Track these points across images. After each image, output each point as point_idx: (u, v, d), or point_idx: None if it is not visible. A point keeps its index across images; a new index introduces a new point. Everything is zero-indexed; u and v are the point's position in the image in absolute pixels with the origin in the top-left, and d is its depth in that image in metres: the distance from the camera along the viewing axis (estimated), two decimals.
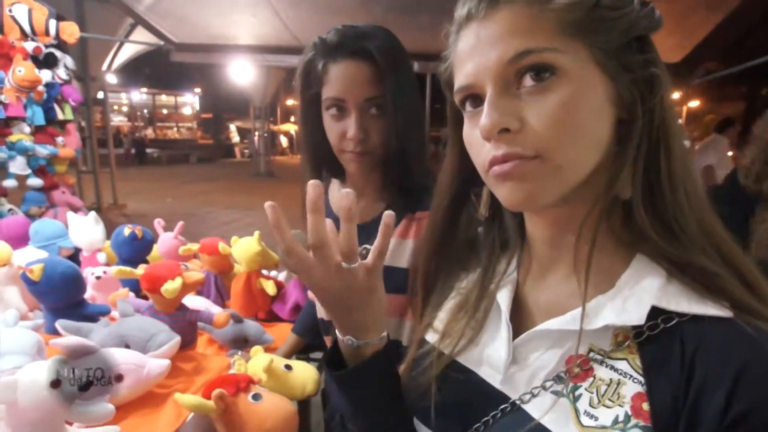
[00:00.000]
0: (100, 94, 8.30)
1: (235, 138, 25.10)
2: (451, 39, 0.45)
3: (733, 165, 4.79)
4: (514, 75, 0.39)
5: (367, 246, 0.88)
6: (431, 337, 0.54)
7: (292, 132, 25.99)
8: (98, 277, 1.31)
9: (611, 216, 0.43)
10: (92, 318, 1.11)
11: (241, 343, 1.23)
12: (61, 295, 1.08)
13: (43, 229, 1.54)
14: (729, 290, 0.38)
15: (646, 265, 0.41)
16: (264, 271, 1.45)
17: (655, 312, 0.38)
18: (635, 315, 0.39)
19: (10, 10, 1.92)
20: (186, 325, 1.05)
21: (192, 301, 1.32)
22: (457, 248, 0.56)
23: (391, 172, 0.83)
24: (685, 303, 0.38)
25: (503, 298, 0.49)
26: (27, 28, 2.01)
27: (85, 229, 1.50)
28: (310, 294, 1.16)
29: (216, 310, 1.31)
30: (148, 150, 18.86)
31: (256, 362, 0.96)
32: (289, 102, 25.84)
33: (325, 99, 0.79)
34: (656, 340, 0.38)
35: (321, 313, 0.98)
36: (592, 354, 0.41)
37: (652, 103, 0.40)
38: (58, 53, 2.94)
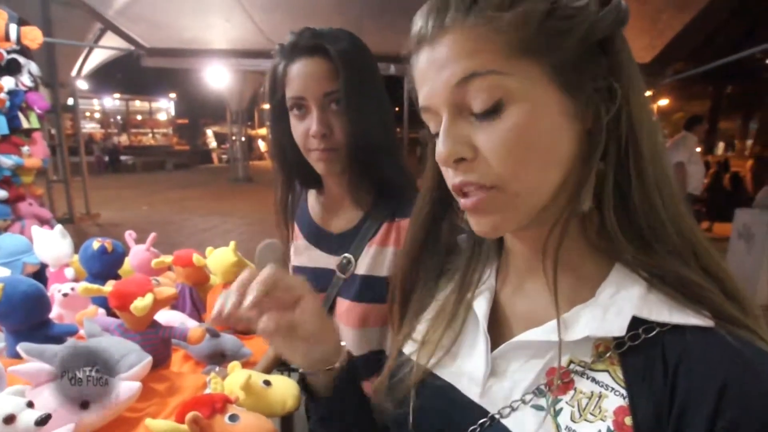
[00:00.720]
0: (71, 101, 8.05)
1: (212, 143, 24.72)
2: (411, 60, 0.44)
3: (702, 161, 5.01)
4: (465, 99, 0.38)
5: (347, 255, 0.86)
6: (410, 348, 0.53)
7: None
8: (65, 295, 1.25)
9: (586, 225, 0.42)
10: (58, 339, 1.05)
11: (218, 359, 1.18)
12: (23, 316, 1.02)
13: (6, 245, 1.47)
14: (709, 299, 0.37)
15: (626, 275, 0.40)
16: None
17: (635, 322, 0.38)
18: (616, 326, 0.38)
19: None
20: (159, 343, 1.01)
21: (166, 315, 1.27)
22: (438, 256, 0.55)
23: (361, 173, 0.81)
24: (666, 313, 0.37)
25: (480, 307, 0.48)
26: None
27: (51, 244, 1.43)
28: None
29: (192, 324, 1.27)
30: (122, 157, 18.39)
31: (234, 379, 0.92)
32: (266, 106, 25.56)
33: (287, 100, 0.78)
34: (638, 351, 0.37)
35: None
36: (572, 366, 0.40)
37: (615, 110, 0.38)
38: (21, 59, 2.83)
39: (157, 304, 0.97)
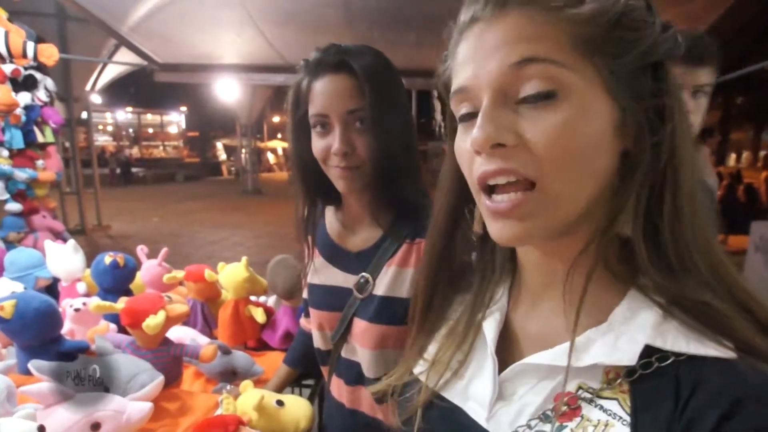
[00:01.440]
0: (84, 114, 8.19)
1: (222, 156, 24.96)
2: (452, 41, 0.42)
3: (714, 172, 4.97)
4: (515, 85, 0.36)
5: (365, 274, 0.84)
6: (419, 368, 0.52)
7: (279, 149, 25.97)
8: (77, 310, 1.24)
9: (607, 249, 0.40)
10: (69, 355, 1.05)
11: (230, 376, 1.17)
12: (35, 332, 1.01)
13: (19, 259, 1.47)
14: (736, 329, 0.35)
15: (641, 302, 0.38)
16: (252, 297, 1.39)
17: (649, 350, 0.36)
18: (627, 354, 0.36)
19: None
20: (170, 361, 0.99)
21: (178, 331, 1.26)
22: (454, 272, 0.53)
23: (382, 192, 0.79)
24: (683, 342, 0.35)
25: (490, 328, 0.46)
26: (3, 51, 1.95)
27: (63, 258, 1.43)
28: (303, 322, 1.11)
29: (203, 340, 1.25)
30: (134, 169, 18.64)
31: (246, 399, 0.90)
32: (276, 119, 25.93)
33: (310, 117, 0.77)
34: (649, 380, 0.36)
35: (318, 342, 0.94)
36: (581, 392, 0.38)
37: (661, 135, 0.37)
38: (38, 75, 2.88)
39: (170, 322, 0.96)
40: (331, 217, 0.90)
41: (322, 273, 0.89)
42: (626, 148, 0.38)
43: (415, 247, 0.80)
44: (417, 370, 0.51)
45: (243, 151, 14.50)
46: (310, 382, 1.29)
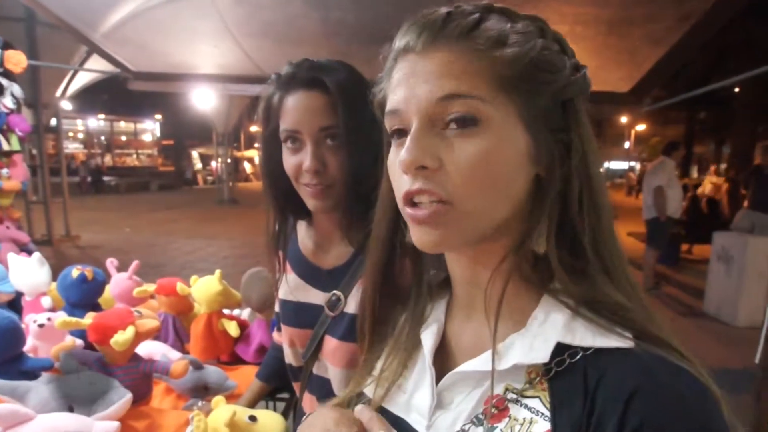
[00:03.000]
0: (54, 121, 7.95)
1: (198, 165, 24.55)
2: (388, 63, 0.45)
3: (679, 185, 5.18)
4: (441, 114, 0.40)
5: (336, 292, 0.84)
6: (368, 382, 0.54)
7: (256, 158, 25.63)
8: (41, 325, 1.20)
9: (522, 262, 0.44)
10: (32, 374, 1.01)
11: (202, 391, 1.15)
12: None
13: None
14: (635, 320, 0.39)
15: (553, 304, 0.42)
16: (226, 311, 1.38)
17: (563, 349, 0.39)
18: (541, 353, 0.39)
19: None
20: (140, 377, 0.97)
21: (149, 346, 1.23)
22: (398, 286, 0.56)
23: (354, 210, 0.80)
24: (590, 337, 0.39)
25: (427, 340, 0.49)
26: None
27: (27, 271, 1.39)
28: (275, 336, 1.10)
29: (174, 356, 1.23)
30: (106, 178, 18.14)
31: (218, 416, 0.89)
32: (253, 128, 25.62)
33: (281, 132, 0.77)
34: (563, 376, 0.39)
35: (289, 358, 0.93)
36: (507, 393, 0.42)
37: (568, 164, 0.41)
38: (4, 81, 2.79)
39: (139, 338, 0.94)
40: (303, 234, 0.90)
41: (294, 289, 0.88)
42: (539, 174, 0.42)
43: None
44: (365, 384, 0.54)
45: (219, 160, 14.31)
46: (284, 395, 1.27)
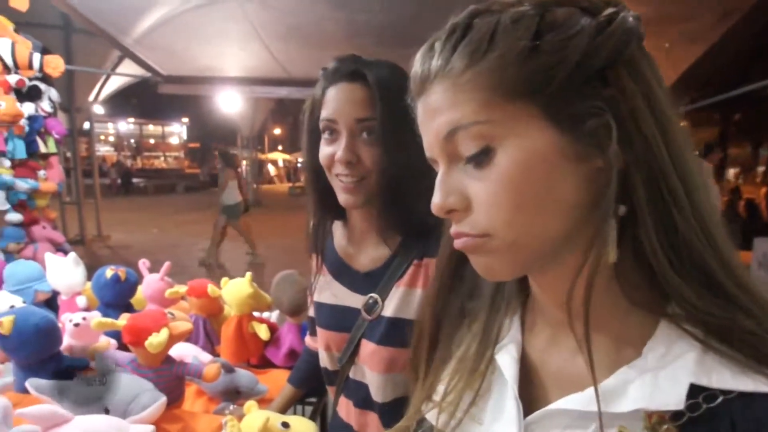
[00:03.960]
0: (87, 125, 8.21)
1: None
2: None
3: (717, 187, 4.98)
4: (455, 150, 0.37)
5: (373, 295, 0.82)
6: (430, 411, 0.47)
7: (280, 161, 26.06)
8: (77, 325, 1.21)
9: (620, 277, 0.37)
10: (68, 373, 1.02)
11: (233, 395, 1.13)
12: (33, 349, 0.98)
13: (18, 272, 1.44)
14: None
15: (675, 334, 0.35)
16: (256, 313, 1.37)
17: (695, 390, 0.33)
18: (672, 397, 0.33)
19: None
20: (173, 380, 0.96)
21: (180, 348, 1.23)
22: (461, 299, 0.49)
23: (388, 209, 0.78)
24: (729, 378, 0.32)
25: (508, 366, 0.42)
26: (9, 62, 1.95)
27: (63, 271, 1.41)
28: (308, 340, 1.08)
29: (205, 358, 1.22)
30: (135, 180, 18.66)
31: (251, 421, 0.87)
32: (277, 131, 26.08)
33: (320, 122, 0.76)
34: (699, 424, 0.33)
35: (324, 362, 0.91)
36: None
37: (626, 150, 0.33)
38: (42, 86, 2.88)
39: (173, 340, 0.93)
40: (339, 235, 0.88)
41: (330, 291, 0.87)
42: (596, 168, 0.35)
43: (423, 268, 0.78)
44: (428, 412, 0.48)
45: (244, 162, 14.53)
46: (312, 399, 1.25)
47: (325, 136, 0.76)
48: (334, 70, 0.75)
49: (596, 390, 0.35)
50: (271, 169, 25.41)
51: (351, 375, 0.85)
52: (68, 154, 7.35)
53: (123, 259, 6.43)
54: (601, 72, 0.34)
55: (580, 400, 0.36)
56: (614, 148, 0.33)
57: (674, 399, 0.33)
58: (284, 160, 26.44)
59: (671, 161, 0.34)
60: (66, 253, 3.22)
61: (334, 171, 0.75)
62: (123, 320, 0.94)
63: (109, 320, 0.92)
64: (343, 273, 0.85)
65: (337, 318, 0.85)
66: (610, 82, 0.34)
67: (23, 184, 2.74)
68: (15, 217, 2.73)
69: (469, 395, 0.44)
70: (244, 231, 5.92)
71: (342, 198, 0.76)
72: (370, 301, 0.80)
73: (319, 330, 0.89)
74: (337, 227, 0.89)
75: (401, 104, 0.74)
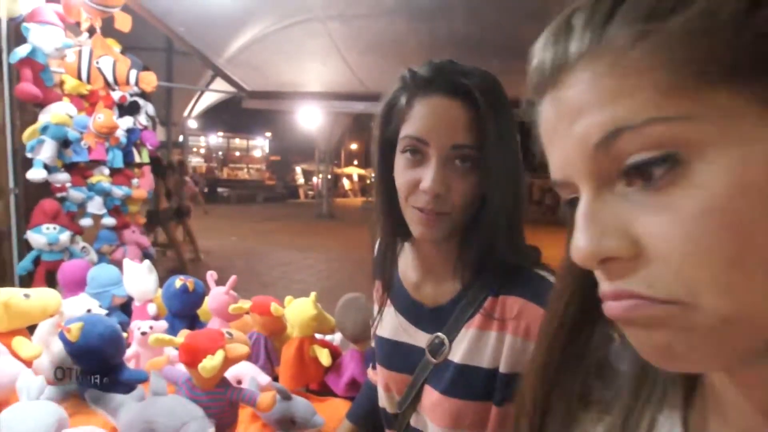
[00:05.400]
0: (181, 138, 8.96)
1: (300, 180, 26.11)
2: (534, 105, 0.30)
3: None
4: (614, 165, 0.24)
5: (440, 334, 0.69)
6: None
7: (355, 175, 26.74)
8: (144, 333, 1.21)
9: None
10: (128, 385, 1.00)
11: (288, 424, 1.05)
12: (97, 358, 0.97)
13: (99, 276, 1.50)
14: None
15: None
16: (319, 335, 1.29)
17: None
18: None
19: (98, 62, 2.03)
20: (226, 404, 0.90)
21: (238, 366, 1.18)
22: (581, 377, 0.36)
23: (470, 245, 0.65)
24: None
25: None
26: (110, 78, 2.11)
27: (138, 278, 1.43)
28: (370, 373, 0.98)
29: (263, 379, 1.16)
30: (220, 189, 20.02)
31: None
32: (353, 146, 26.91)
33: (402, 138, 0.64)
34: None
35: (383, 402, 0.80)
36: None
37: None
38: (141, 101, 3.12)
39: (228, 363, 0.87)
40: (405, 263, 0.76)
41: (392, 325, 0.75)
42: None
43: (498, 305, 0.64)
44: None
45: (320, 176, 15.03)
46: None
47: (406, 155, 0.63)
48: (429, 79, 0.62)
49: None
50: (346, 183, 26.12)
51: (412, 423, 0.73)
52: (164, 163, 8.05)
53: (204, 264, 6.83)
54: None
55: None
56: None
57: None
58: (359, 175, 27.10)
59: None
60: (151, 257, 3.42)
61: (413, 201, 0.63)
62: (180, 338, 0.89)
63: (167, 337, 0.88)
64: (408, 306, 0.73)
65: (399, 356, 0.73)
66: None
67: (119, 191, 2.96)
68: (110, 221, 2.94)
69: None
70: (172, 236, 6.26)
71: (418, 230, 0.64)
72: (436, 341, 0.67)
73: (378, 367, 0.78)
74: (403, 255, 0.77)
75: (507, 129, 0.62)
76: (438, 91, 0.61)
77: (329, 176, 14.85)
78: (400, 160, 0.64)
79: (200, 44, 4.01)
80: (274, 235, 9.75)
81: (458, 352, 0.65)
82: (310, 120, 10.54)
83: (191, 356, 0.84)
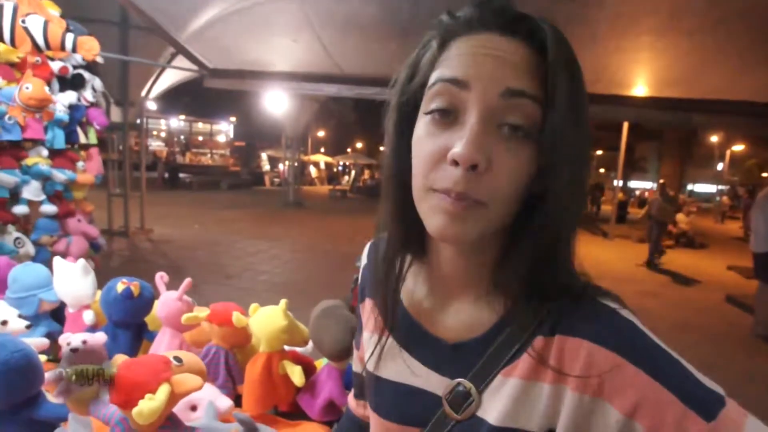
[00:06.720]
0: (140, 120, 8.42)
1: (266, 166, 25.46)
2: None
3: None
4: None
5: (464, 381, 0.51)
6: None
7: (321, 163, 26.35)
8: (74, 350, 0.98)
9: None
10: (46, 425, 0.78)
11: None
12: (2, 393, 0.75)
13: (23, 277, 1.24)
14: None
15: None
16: (288, 347, 1.11)
17: None
18: None
19: (23, 21, 1.71)
20: None
21: None
22: None
23: (516, 258, 0.45)
24: None
25: None
26: (41, 42, 1.80)
27: (71, 280, 1.20)
28: (351, 402, 0.79)
29: (223, 404, 0.97)
30: (181, 175, 19.21)
31: None
32: (320, 133, 26.51)
33: (430, 87, 0.44)
34: None
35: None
36: None
37: None
38: (86, 74, 2.79)
39: (174, 400, 0.68)
40: (414, 280, 0.56)
41: (393, 363, 0.55)
42: None
43: (555, 348, 0.44)
44: None
45: (286, 163, 14.65)
46: None
47: (433, 116, 0.44)
48: (475, 15, 0.43)
49: None
50: (313, 171, 25.68)
51: None
52: (120, 147, 7.54)
53: (163, 254, 6.45)
54: None
55: None
56: None
57: None
58: (326, 163, 26.71)
59: None
60: (99, 248, 3.10)
61: (436, 179, 0.43)
62: (113, 367, 0.69)
63: (92, 367, 0.67)
64: (416, 339, 0.54)
65: (404, 405, 0.54)
66: None
67: (60, 175, 2.64)
68: (50, 208, 2.63)
69: None
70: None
71: (439, 224, 0.43)
72: (460, 389, 0.48)
73: (373, 416, 0.59)
74: (412, 268, 0.58)
75: (580, 90, 0.44)
76: (488, 27, 0.42)
77: (296, 163, 14.49)
78: (422, 126, 0.45)
79: (161, 18, 3.67)
80: (238, 224, 9.37)
81: (493, 409, 0.46)
82: (277, 104, 10.14)
83: (125, 395, 0.64)
